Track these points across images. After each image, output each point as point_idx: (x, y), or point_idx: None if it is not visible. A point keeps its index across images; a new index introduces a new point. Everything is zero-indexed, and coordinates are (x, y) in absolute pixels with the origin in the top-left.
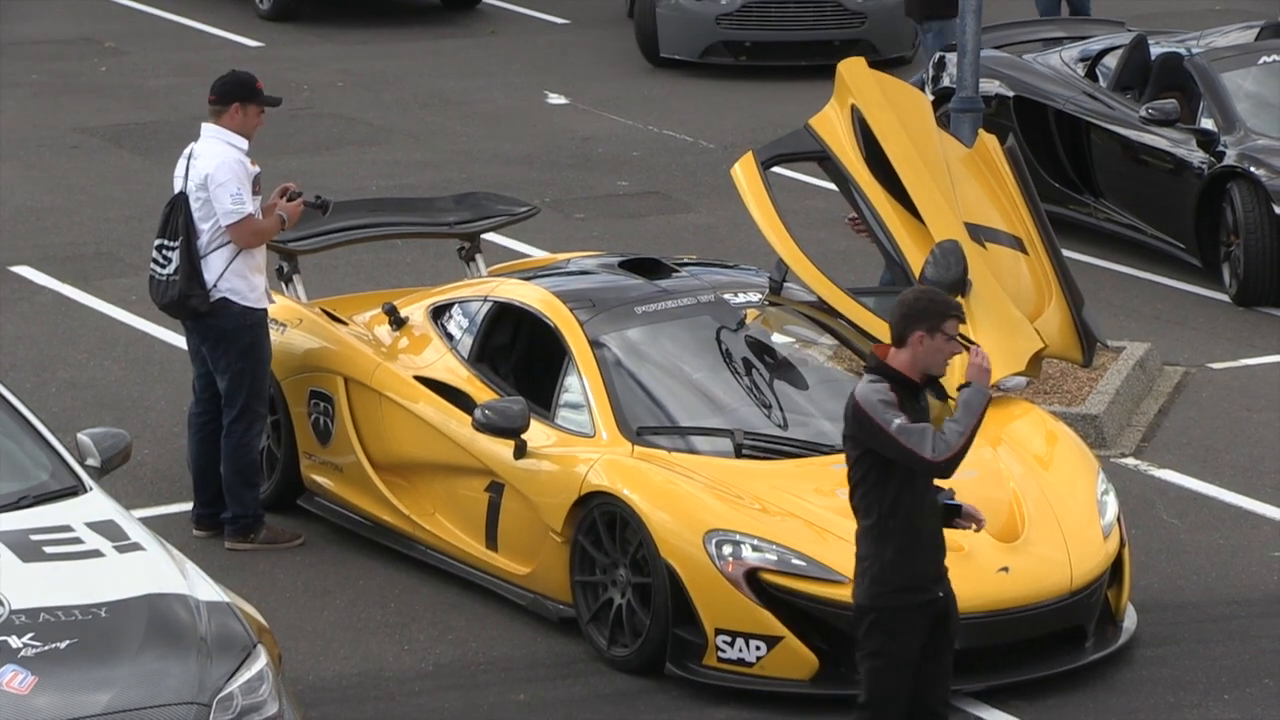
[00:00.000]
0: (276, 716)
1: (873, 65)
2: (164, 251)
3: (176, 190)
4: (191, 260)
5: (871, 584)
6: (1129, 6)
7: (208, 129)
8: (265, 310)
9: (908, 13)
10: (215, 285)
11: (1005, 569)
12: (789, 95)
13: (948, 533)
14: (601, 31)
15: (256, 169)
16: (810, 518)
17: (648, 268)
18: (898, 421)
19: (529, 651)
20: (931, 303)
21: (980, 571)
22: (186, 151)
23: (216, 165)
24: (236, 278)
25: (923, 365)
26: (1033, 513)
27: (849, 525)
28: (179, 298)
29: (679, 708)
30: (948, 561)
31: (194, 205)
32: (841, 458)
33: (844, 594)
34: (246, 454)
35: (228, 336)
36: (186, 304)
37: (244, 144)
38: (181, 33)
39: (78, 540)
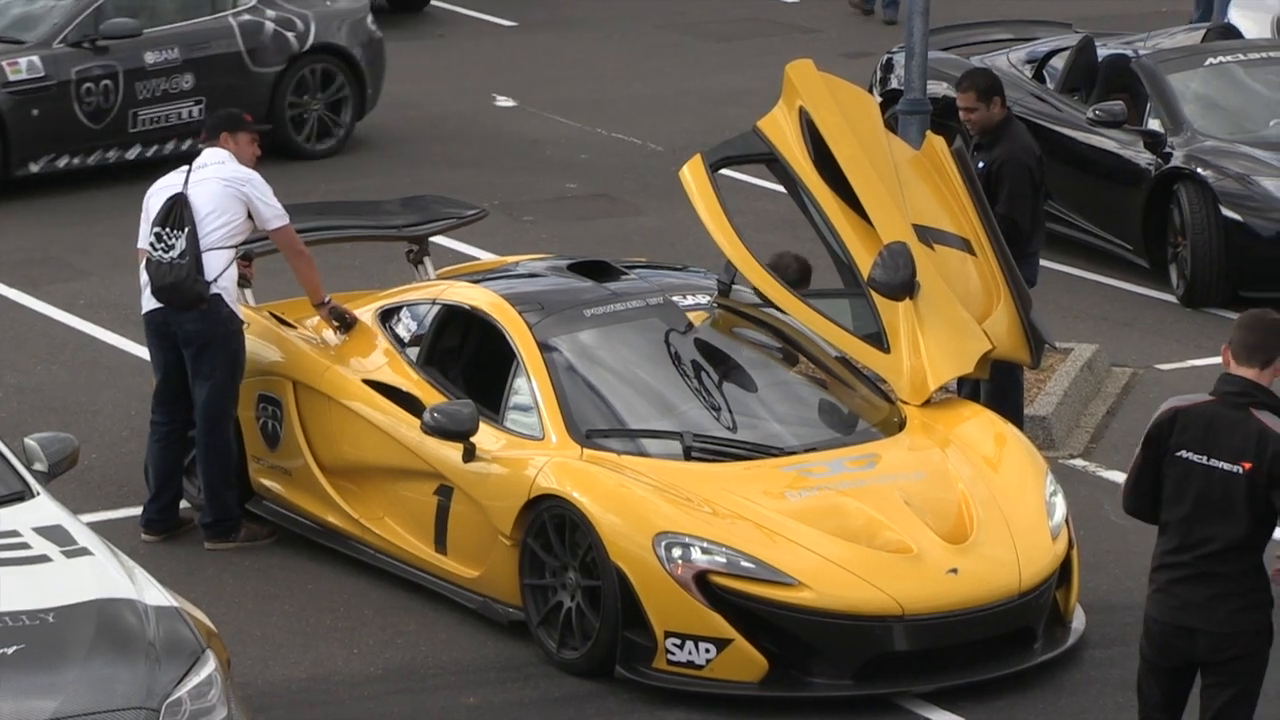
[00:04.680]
0: None
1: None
2: (165, 239)
3: (171, 194)
4: (195, 251)
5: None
6: (1076, 8)
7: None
8: (244, 323)
9: None
10: (214, 280)
11: (954, 570)
12: (739, 97)
13: (893, 535)
14: (550, 34)
15: None
16: (760, 520)
17: (597, 270)
18: None
19: (478, 655)
20: None
21: (929, 573)
22: (187, 166)
23: (248, 174)
24: (229, 281)
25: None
26: (981, 514)
27: (798, 528)
28: (185, 279)
29: (629, 711)
30: (894, 563)
31: (195, 204)
32: (791, 459)
33: (793, 596)
34: (230, 457)
35: (215, 342)
36: (192, 288)
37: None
38: None
39: (25, 545)
